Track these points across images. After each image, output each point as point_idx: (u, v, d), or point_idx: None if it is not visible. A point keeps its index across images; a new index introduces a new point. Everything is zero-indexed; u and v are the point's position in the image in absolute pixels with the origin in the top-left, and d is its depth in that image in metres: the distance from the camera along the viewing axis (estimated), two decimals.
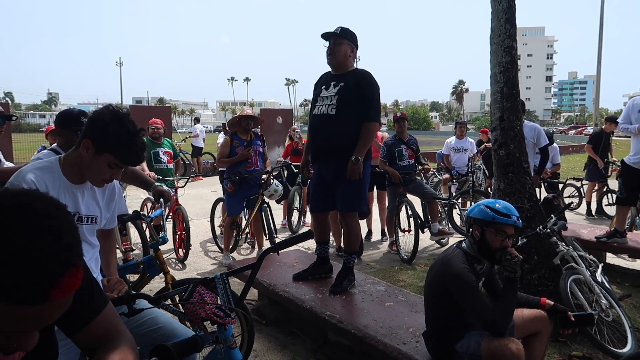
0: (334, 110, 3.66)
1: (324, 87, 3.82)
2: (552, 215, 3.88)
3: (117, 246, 5.04)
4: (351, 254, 3.86)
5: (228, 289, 1.68)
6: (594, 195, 8.47)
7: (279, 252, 1.81)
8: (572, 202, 3.80)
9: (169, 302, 2.16)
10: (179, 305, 1.91)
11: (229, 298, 1.66)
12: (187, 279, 3.12)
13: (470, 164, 8.17)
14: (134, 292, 1.72)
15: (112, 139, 1.81)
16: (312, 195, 4.01)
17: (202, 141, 15.31)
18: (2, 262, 0.78)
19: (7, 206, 0.84)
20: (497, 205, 2.45)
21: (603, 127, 8.35)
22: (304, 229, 7.46)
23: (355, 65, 3.88)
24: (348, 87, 3.64)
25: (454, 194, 7.92)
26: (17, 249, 0.79)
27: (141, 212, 3.30)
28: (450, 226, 7.11)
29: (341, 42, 3.69)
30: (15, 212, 0.83)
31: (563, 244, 3.82)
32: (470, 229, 2.49)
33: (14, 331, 0.85)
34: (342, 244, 5.32)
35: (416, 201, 6.29)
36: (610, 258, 5.52)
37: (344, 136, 3.63)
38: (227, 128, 6.37)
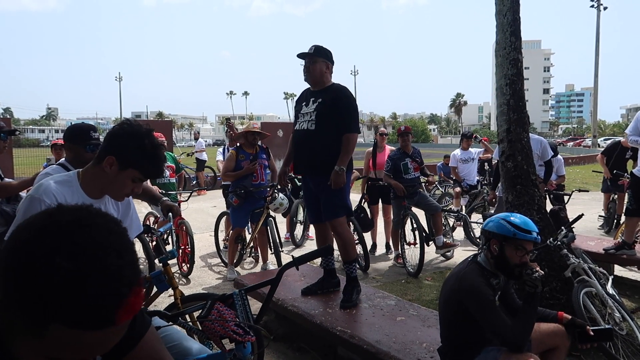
0: (313, 125, 3.79)
1: (304, 103, 3.96)
2: (563, 227, 3.85)
3: None
4: (351, 263, 3.87)
5: (247, 305, 1.65)
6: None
7: (299, 267, 1.77)
8: (582, 214, 3.76)
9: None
10: (197, 322, 1.86)
11: (248, 315, 1.62)
12: (201, 294, 3.08)
13: (484, 177, 8.20)
14: (149, 309, 1.68)
15: (136, 155, 1.81)
16: (307, 207, 4.18)
17: (206, 155, 15.30)
18: (67, 283, 0.72)
19: (66, 222, 0.78)
20: (516, 220, 2.40)
21: (621, 140, 8.27)
22: (308, 243, 7.42)
23: (332, 80, 3.94)
24: (325, 103, 3.78)
25: (462, 206, 7.92)
26: (83, 269, 0.73)
27: (152, 227, 3.26)
28: (454, 239, 7.07)
29: (316, 60, 3.83)
30: (76, 229, 0.77)
31: (573, 256, 3.78)
32: (487, 243, 2.45)
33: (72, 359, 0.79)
34: None
35: (421, 214, 6.25)
36: (619, 270, 5.47)
37: (324, 150, 3.77)
38: (228, 127, 6.40)
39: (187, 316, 2.63)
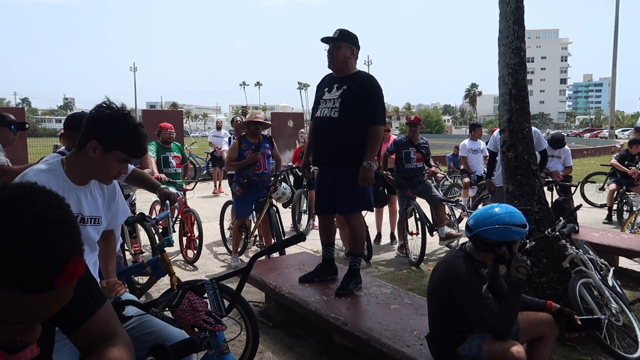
0: (336, 113, 3.65)
1: (326, 89, 3.80)
2: (561, 217, 3.82)
3: (127, 248, 5.08)
4: (357, 257, 3.85)
5: (218, 294, 1.68)
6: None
7: (270, 255, 1.81)
8: (581, 204, 3.75)
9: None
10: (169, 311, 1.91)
11: (219, 304, 1.66)
12: (198, 280, 3.12)
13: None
14: (122, 299, 1.73)
15: (118, 136, 1.84)
16: (317, 197, 4.03)
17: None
18: (8, 251, 0.81)
19: (8, 197, 0.87)
20: (502, 212, 2.38)
21: (629, 149, 8.27)
22: (313, 233, 7.45)
23: (356, 67, 3.84)
24: (351, 90, 3.63)
25: (470, 197, 7.90)
26: (22, 239, 0.82)
27: (147, 215, 3.32)
28: (459, 229, 7.04)
29: (340, 45, 3.68)
30: (18, 203, 0.86)
31: (573, 247, 3.76)
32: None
33: (18, 322, 0.87)
34: None
35: (425, 204, 6.24)
36: (626, 263, 5.42)
37: (346, 139, 3.64)
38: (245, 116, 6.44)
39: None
